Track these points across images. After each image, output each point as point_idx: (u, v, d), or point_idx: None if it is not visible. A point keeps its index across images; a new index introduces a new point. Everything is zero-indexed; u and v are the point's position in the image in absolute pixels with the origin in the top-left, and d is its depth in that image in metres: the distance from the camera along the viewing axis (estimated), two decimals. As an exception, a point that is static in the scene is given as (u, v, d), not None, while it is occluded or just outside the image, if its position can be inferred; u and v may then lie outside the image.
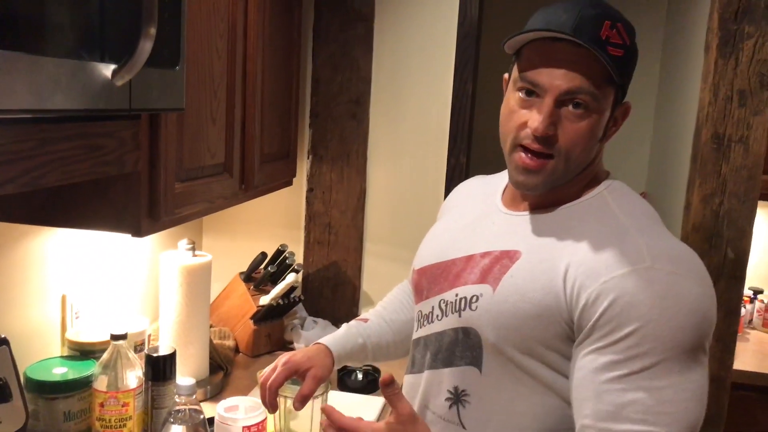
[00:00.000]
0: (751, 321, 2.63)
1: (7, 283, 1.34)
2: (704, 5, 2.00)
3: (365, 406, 1.65)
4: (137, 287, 1.81)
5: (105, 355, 1.34)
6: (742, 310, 2.45)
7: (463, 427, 1.03)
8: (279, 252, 1.98)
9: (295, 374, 1.21)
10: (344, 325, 1.33)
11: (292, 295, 1.95)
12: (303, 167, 2.07)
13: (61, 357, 1.43)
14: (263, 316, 1.93)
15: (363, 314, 1.38)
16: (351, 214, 2.07)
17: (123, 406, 1.33)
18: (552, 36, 0.93)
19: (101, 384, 1.33)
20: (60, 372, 1.35)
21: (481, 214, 1.12)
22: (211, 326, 1.95)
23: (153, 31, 0.87)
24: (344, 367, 1.81)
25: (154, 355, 1.39)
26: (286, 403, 1.37)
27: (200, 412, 1.12)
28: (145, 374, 1.39)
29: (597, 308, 0.88)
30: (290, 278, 1.89)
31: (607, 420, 0.87)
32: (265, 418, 1.34)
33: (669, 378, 0.85)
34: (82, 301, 1.56)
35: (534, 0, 3.10)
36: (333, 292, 2.11)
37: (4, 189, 0.82)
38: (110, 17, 0.87)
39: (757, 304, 2.62)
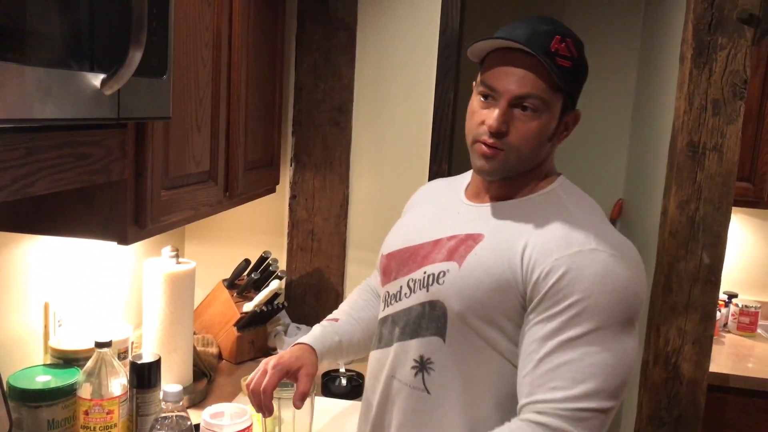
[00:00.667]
0: (726, 324, 2.69)
1: (-10, 291, 1.34)
2: (679, 17, 2.05)
3: (349, 411, 1.66)
4: (121, 294, 1.81)
5: (89, 363, 1.34)
6: (718, 314, 2.50)
7: (428, 392, 1.13)
8: (262, 259, 1.98)
9: (286, 375, 1.23)
10: (317, 326, 1.36)
11: (275, 302, 1.96)
12: (286, 174, 2.08)
13: (44, 365, 1.42)
14: (246, 323, 1.93)
15: (332, 315, 1.41)
16: (334, 221, 2.09)
17: (108, 413, 1.33)
18: (508, 46, 1.07)
19: (85, 392, 1.32)
20: (43, 380, 1.34)
21: (446, 206, 1.24)
22: (194, 333, 1.95)
23: (143, 39, 0.88)
24: (327, 373, 1.82)
25: (139, 362, 1.40)
26: (279, 405, 1.38)
27: (187, 418, 1.13)
28: (130, 381, 1.39)
29: (548, 281, 1.01)
30: (274, 285, 1.89)
31: (541, 378, 1.00)
32: (251, 424, 1.35)
33: (601, 344, 0.99)
34: (65, 308, 1.55)
35: (513, 10, 3.15)
36: (316, 299, 2.13)
37: (-6, 198, 0.82)
38: (100, 27, 0.88)
39: (732, 307, 2.68)
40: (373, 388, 1.25)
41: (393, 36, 1.99)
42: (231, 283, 2.01)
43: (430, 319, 1.13)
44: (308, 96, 2.04)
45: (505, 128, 1.07)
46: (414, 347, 1.15)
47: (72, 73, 0.84)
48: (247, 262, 1.99)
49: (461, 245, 1.12)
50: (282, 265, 2.12)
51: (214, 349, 1.94)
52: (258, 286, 1.97)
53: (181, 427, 1.11)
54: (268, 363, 1.24)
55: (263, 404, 1.22)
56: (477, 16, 2.75)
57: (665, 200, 2.05)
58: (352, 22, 2.00)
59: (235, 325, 1.93)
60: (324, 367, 1.38)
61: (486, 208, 1.17)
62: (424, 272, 1.15)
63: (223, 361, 1.96)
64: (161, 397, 1.12)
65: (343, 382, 1.79)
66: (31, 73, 0.78)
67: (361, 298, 1.43)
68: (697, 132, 1.92)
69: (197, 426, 1.34)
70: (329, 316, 1.40)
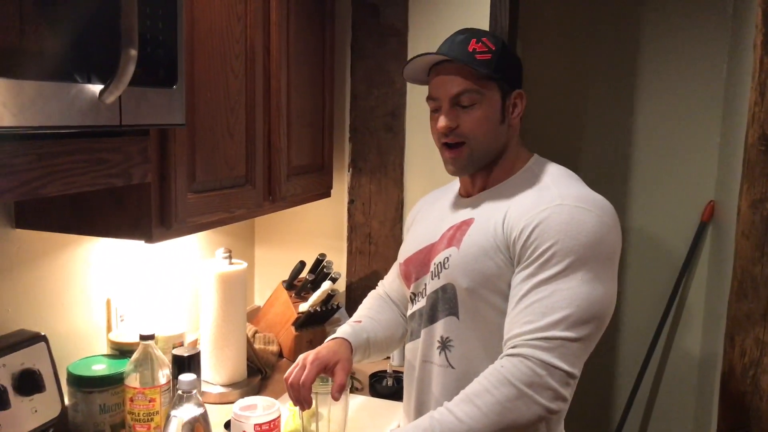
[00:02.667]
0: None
1: (54, 287, 1.49)
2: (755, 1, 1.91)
3: (393, 412, 1.68)
4: (181, 293, 1.93)
5: (135, 354, 1.46)
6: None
7: (453, 367, 1.27)
8: (318, 261, 2.05)
9: (324, 370, 1.33)
10: (346, 325, 1.46)
11: (330, 303, 2.02)
12: (344, 180, 2.15)
13: (103, 355, 1.56)
14: (304, 323, 2.01)
15: (353, 318, 1.50)
16: (389, 225, 2.12)
17: (150, 401, 1.44)
18: (436, 60, 1.28)
19: (132, 380, 1.44)
20: (98, 368, 1.48)
21: (444, 208, 1.41)
22: (256, 332, 2.05)
23: (133, 53, 0.96)
24: (375, 374, 1.86)
25: (179, 354, 1.50)
26: (316, 399, 1.43)
27: (201, 405, 1.20)
28: (172, 373, 1.49)
29: (522, 238, 1.17)
30: (325, 286, 1.95)
31: (516, 317, 1.13)
32: (278, 416, 1.41)
33: (571, 280, 1.12)
34: (126, 305, 1.69)
35: (562, 11, 3.09)
36: (375, 301, 2.16)
37: (2, 197, 0.93)
38: (98, 40, 0.97)
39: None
40: (411, 376, 1.38)
41: (442, 39, 1.99)
42: (290, 284, 2.09)
43: (443, 302, 1.28)
44: (362, 103, 2.09)
45: (453, 124, 1.26)
46: (436, 330, 1.30)
47: (72, 85, 0.94)
48: (302, 263, 2.07)
49: (457, 231, 1.28)
50: (342, 268, 2.18)
51: (274, 347, 2.02)
52: (314, 287, 2.04)
53: (194, 414, 1.18)
54: (306, 358, 1.33)
55: (302, 398, 1.31)
56: (528, 15, 2.69)
57: (739, 200, 1.91)
58: (403, 29, 2.03)
59: (293, 324, 2.01)
60: (354, 362, 1.44)
61: (474, 198, 1.34)
62: (434, 264, 1.31)
63: (284, 359, 2.04)
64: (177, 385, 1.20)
65: (389, 382, 1.81)
66: (31, 86, 0.88)
67: (376, 302, 1.56)
68: (770, 124, 1.78)
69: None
70: (351, 320, 1.50)
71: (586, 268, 1.12)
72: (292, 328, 2.01)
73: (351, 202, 2.16)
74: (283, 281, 2.10)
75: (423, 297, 1.35)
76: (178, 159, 1.27)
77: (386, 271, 2.14)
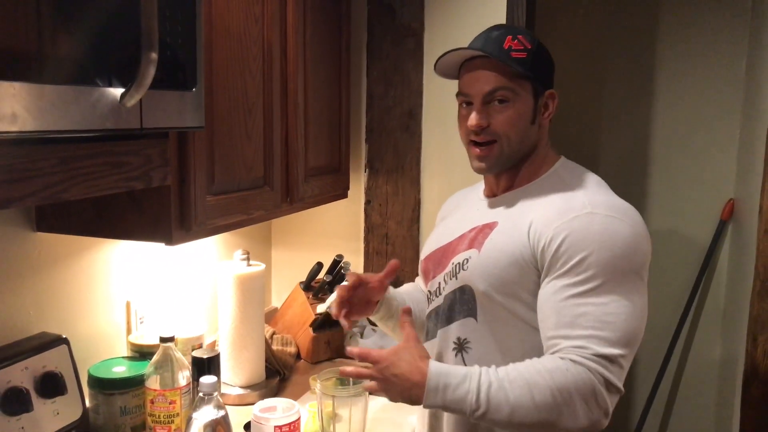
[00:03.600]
0: None
1: (75, 290, 1.50)
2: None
3: (411, 413, 1.68)
4: (200, 295, 1.94)
5: (155, 356, 1.46)
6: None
7: None
8: (335, 262, 2.05)
9: (360, 285, 1.43)
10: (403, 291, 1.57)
11: (348, 304, 2.02)
12: (361, 180, 2.14)
13: (123, 357, 1.57)
14: (321, 324, 2.01)
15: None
16: (407, 225, 2.11)
17: (170, 403, 1.44)
18: (470, 56, 1.26)
19: (152, 382, 1.44)
20: (119, 371, 1.48)
21: (467, 207, 1.41)
22: (274, 333, 2.05)
23: (154, 56, 0.96)
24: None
25: (198, 356, 1.50)
26: (334, 404, 1.44)
27: (222, 407, 1.20)
28: (192, 375, 1.49)
29: (552, 247, 1.14)
30: (342, 287, 1.95)
31: (565, 327, 1.11)
32: (298, 418, 1.41)
33: (610, 296, 1.10)
34: (146, 307, 1.70)
35: (579, 10, 3.06)
36: (392, 302, 2.16)
37: (24, 202, 0.94)
38: (118, 45, 0.97)
39: None
40: None
41: (459, 40, 1.96)
42: (307, 286, 2.09)
43: (461, 303, 1.26)
44: (379, 103, 2.08)
45: (485, 123, 1.25)
46: (452, 331, 1.28)
47: (93, 89, 0.94)
48: (319, 265, 2.07)
49: (479, 234, 1.27)
50: (359, 269, 2.18)
51: (292, 349, 2.02)
52: (331, 288, 2.03)
53: (215, 416, 1.18)
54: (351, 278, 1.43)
55: (342, 316, 1.43)
56: (545, 14, 2.67)
57: (762, 198, 1.89)
58: (419, 29, 2.02)
59: (310, 325, 2.01)
60: (378, 314, 1.49)
61: (498, 199, 1.32)
62: (452, 263, 1.29)
63: (301, 360, 2.04)
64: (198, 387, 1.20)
65: (408, 383, 1.80)
66: (52, 90, 0.88)
67: (411, 285, 1.62)
68: (793, 121, 1.75)
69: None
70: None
71: (623, 280, 1.11)
72: (310, 330, 2.01)
73: (368, 202, 2.15)
74: (301, 282, 2.10)
75: (438, 296, 1.34)
76: (198, 161, 1.27)
77: (403, 272, 2.14)
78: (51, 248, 1.41)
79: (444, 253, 1.35)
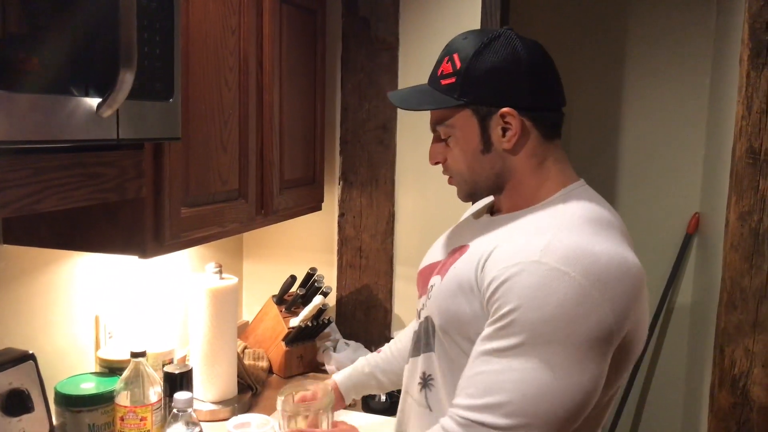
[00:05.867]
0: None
1: (42, 304, 1.46)
2: (740, 17, 1.94)
3: (386, 428, 1.66)
4: (171, 308, 1.90)
5: (126, 372, 1.42)
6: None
7: (430, 410, 1.13)
8: (309, 275, 2.03)
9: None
10: (362, 358, 1.49)
11: (321, 317, 2.00)
12: (335, 193, 2.13)
13: (91, 373, 1.52)
14: (294, 338, 1.98)
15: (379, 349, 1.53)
16: (380, 238, 2.11)
17: (141, 420, 1.41)
18: (398, 107, 1.18)
19: (122, 399, 1.41)
20: (87, 387, 1.44)
21: (465, 222, 1.27)
22: (246, 347, 2.02)
23: (132, 67, 0.94)
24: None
25: (171, 371, 1.47)
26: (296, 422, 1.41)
27: (196, 424, 1.18)
28: (164, 390, 1.46)
29: (489, 290, 0.98)
30: (316, 300, 1.93)
31: (463, 382, 0.99)
32: (274, 435, 1.39)
33: (524, 361, 0.93)
34: (114, 321, 1.66)
35: (550, 26, 3.10)
36: (366, 315, 2.15)
37: (-3, 213, 0.91)
38: (95, 54, 0.95)
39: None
40: (403, 401, 1.26)
41: (434, 54, 1.97)
42: (280, 299, 2.07)
43: (426, 336, 1.14)
44: (353, 116, 2.08)
45: (438, 158, 1.15)
46: (419, 364, 1.16)
47: (68, 98, 0.92)
48: (293, 278, 2.05)
49: (451, 258, 1.13)
50: (332, 282, 2.17)
51: (264, 363, 2.00)
52: (305, 301, 2.02)
53: (189, 431, 1.16)
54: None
55: None
56: (518, 29, 2.71)
57: (727, 212, 1.93)
58: (394, 42, 2.03)
59: (283, 339, 1.98)
60: (356, 397, 1.50)
61: (483, 220, 1.17)
62: (428, 287, 1.16)
63: (274, 375, 2.01)
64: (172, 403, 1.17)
65: (383, 398, 1.79)
66: (26, 99, 0.86)
67: (409, 330, 1.42)
68: (758, 138, 1.80)
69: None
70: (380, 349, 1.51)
71: (548, 350, 0.92)
72: (283, 344, 1.99)
73: (341, 215, 2.14)
74: (273, 296, 2.08)
75: (420, 318, 1.21)
76: (173, 173, 1.25)
77: (377, 285, 2.14)
78: (17, 261, 1.37)
79: (432, 271, 1.19)
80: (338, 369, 1.97)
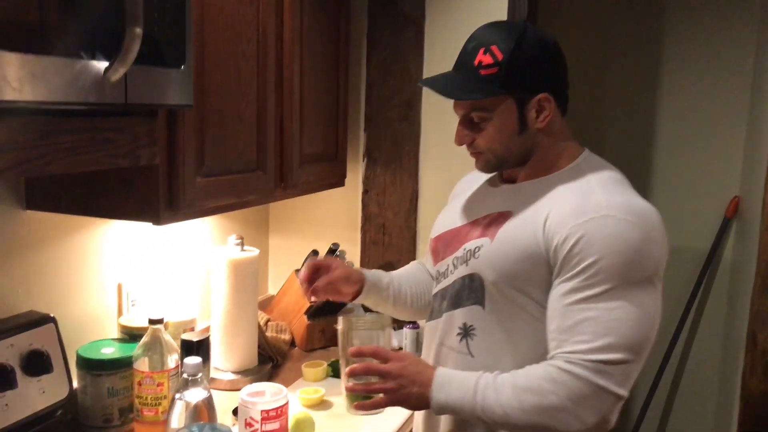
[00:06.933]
0: None
1: (65, 270, 1.50)
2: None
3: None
4: (193, 279, 1.94)
5: (144, 338, 1.46)
6: None
7: (472, 356, 1.24)
8: (331, 250, 2.04)
9: (323, 269, 1.39)
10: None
11: (343, 293, 2.01)
12: (359, 169, 2.13)
13: (113, 339, 1.56)
14: (316, 312, 2.00)
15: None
16: (404, 216, 2.10)
17: (158, 385, 1.44)
18: (435, 92, 1.24)
19: (140, 364, 1.44)
20: (108, 352, 1.48)
21: (482, 191, 1.37)
22: (269, 320, 2.05)
23: (138, 31, 0.96)
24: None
25: (188, 339, 1.50)
26: (351, 334, 1.32)
27: (206, 389, 1.19)
28: (181, 357, 1.49)
29: (565, 248, 1.11)
30: (337, 275, 1.94)
31: (565, 332, 1.10)
32: (286, 403, 1.40)
33: (618, 301, 1.08)
34: (137, 290, 1.70)
35: (582, 5, 3.01)
36: (388, 292, 2.14)
37: (6, 175, 0.93)
38: (102, 17, 0.97)
39: None
40: (427, 355, 1.35)
41: (460, 30, 1.96)
42: (302, 274, 2.08)
43: (470, 290, 1.24)
44: (378, 92, 2.07)
45: (463, 142, 1.26)
46: (458, 316, 1.26)
47: (76, 61, 0.94)
48: (315, 252, 2.06)
49: (493, 223, 1.24)
50: (356, 259, 2.17)
51: (286, 336, 2.02)
52: (327, 277, 2.02)
53: (198, 398, 1.17)
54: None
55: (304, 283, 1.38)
56: (549, 6, 2.65)
57: (764, 194, 1.86)
58: (420, 18, 2.01)
59: (305, 313, 2.00)
60: (368, 300, 1.46)
61: (515, 188, 1.27)
62: (464, 249, 1.26)
63: (295, 348, 2.03)
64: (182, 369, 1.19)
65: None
66: (33, 60, 0.88)
67: (414, 265, 1.59)
68: (795, 116, 1.73)
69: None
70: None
71: (632, 286, 1.09)
72: (305, 318, 2.00)
73: (365, 192, 2.14)
74: (296, 270, 2.09)
75: (445, 278, 1.31)
76: (187, 142, 1.27)
77: (399, 263, 2.13)
78: (41, 227, 1.41)
79: (455, 236, 1.31)
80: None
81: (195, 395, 1.19)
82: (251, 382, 1.73)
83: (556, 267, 1.13)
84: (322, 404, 1.65)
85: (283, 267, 2.25)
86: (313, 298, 1.41)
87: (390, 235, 2.13)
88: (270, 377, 1.81)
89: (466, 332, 1.25)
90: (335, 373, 1.80)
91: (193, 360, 1.19)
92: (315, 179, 1.81)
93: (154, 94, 1.08)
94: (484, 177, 1.40)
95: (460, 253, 1.28)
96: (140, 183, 1.25)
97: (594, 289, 1.08)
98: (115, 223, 1.61)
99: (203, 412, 1.18)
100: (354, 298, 1.43)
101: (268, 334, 1.99)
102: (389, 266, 2.13)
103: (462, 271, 1.26)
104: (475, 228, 1.28)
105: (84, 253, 1.54)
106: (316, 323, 2.02)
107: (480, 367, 1.19)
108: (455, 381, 1.16)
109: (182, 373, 1.19)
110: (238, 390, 1.70)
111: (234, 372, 1.76)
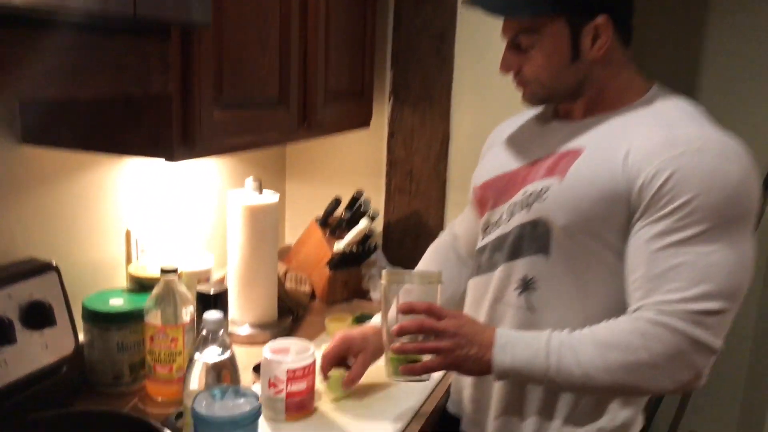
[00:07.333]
0: None
1: (68, 213, 1.36)
2: None
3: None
4: (208, 224, 1.80)
5: (156, 289, 1.32)
6: None
7: (533, 311, 1.13)
8: (354, 198, 1.90)
9: (347, 352, 1.32)
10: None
11: (367, 243, 1.88)
12: (384, 111, 1.97)
13: (121, 290, 1.43)
14: (338, 263, 1.86)
15: None
16: (433, 162, 1.94)
17: (172, 340, 1.31)
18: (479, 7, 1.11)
19: (152, 317, 1.31)
20: (116, 303, 1.35)
21: (535, 131, 1.24)
22: (287, 271, 1.92)
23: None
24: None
25: (204, 291, 1.37)
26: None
27: (228, 348, 1.06)
28: (197, 311, 1.36)
29: (654, 185, 0.99)
30: (362, 224, 1.80)
31: (654, 281, 0.98)
32: (314, 362, 1.27)
33: (715, 244, 0.97)
34: (147, 236, 1.56)
35: None
36: (414, 243, 2.01)
37: (-7, 94, 0.78)
38: None
39: None
40: (475, 314, 1.23)
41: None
42: (323, 222, 1.94)
43: (531, 239, 1.12)
44: (407, 24, 1.89)
45: (509, 70, 1.14)
46: (517, 268, 1.15)
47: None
48: (337, 200, 1.91)
49: (561, 160, 1.11)
50: (380, 207, 2.02)
51: (306, 288, 1.89)
52: (350, 225, 1.89)
53: (220, 358, 1.04)
54: (337, 335, 1.34)
55: (321, 368, 1.32)
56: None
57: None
58: (456, -61, 1.81)
59: (327, 264, 1.87)
60: None
61: (581, 124, 1.14)
62: (525, 192, 1.14)
63: (316, 300, 1.91)
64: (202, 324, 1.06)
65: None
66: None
67: (435, 258, 1.48)
68: None
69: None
70: None
71: (730, 228, 0.98)
72: (326, 269, 1.87)
73: (391, 135, 1.98)
74: (317, 218, 1.95)
75: (499, 227, 1.19)
76: (203, 67, 1.11)
77: (428, 212, 1.99)
78: (40, 165, 1.27)
79: (510, 180, 1.19)
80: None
81: (216, 354, 1.06)
82: (271, 336, 1.61)
83: (640, 208, 1.01)
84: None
85: (302, 215, 2.10)
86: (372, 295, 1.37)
87: (417, 182, 1.97)
88: (290, 331, 1.69)
89: (526, 285, 1.14)
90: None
91: (214, 315, 1.05)
92: (340, 119, 1.65)
93: (167, 6, 0.91)
94: (527, 121, 1.29)
95: (518, 197, 1.15)
96: (151, 114, 1.10)
97: (688, 231, 0.97)
98: (123, 162, 1.47)
99: (225, 373, 1.06)
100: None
101: (287, 285, 1.86)
102: (416, 215, 1.99)
103: (522, 217, 1.14)
104: (536, 168, 1.15)
105: (89, 195, 1.40)
106: (339, 274, 1.89)
107: (543, 324, 1.09)
108: (521, 341, 1.05)
109: (201, 329, 1.06)
110: (257, 345, 1.59)
111: (252, 325, 1.64)
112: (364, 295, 1.94)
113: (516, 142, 1.26)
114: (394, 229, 2.03)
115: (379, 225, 2.03)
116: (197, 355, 1.05)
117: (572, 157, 1.09)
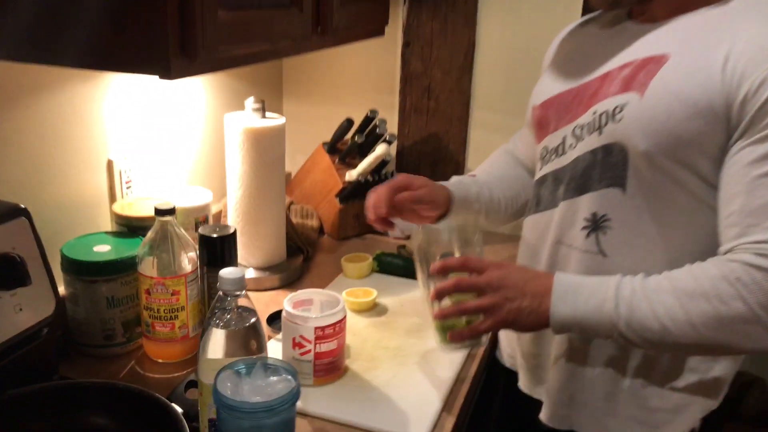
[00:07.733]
0: None
1: (36, 144, 1.11)
2: None
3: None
4: (203, 154, 1.56)
5: (150, 233, 1.10)
6: None
7: (604, 255, 0.97)
8: (368, 119, 1.66)
9: (405, 189, 1.15)
10: (454, 177, 1.26)
11: (383, 171, 1.66)
12: (398, 16, 1.70)
13: (106, 233, 1.21)
14: (350, 194, 1.65)
15: (470, 172, 1.31)
16: (456, 75, 1.70)
17: (173, 294, 1.10)
18: None
19: (147, 267, 1.10)
20: (101, 250, 1.13)
21: (607, 35, 1.03)
22: (291, 203, 1.70)
23: None
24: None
25: (209, 235, 1.15)
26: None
27: (250, 310, 0.86)
28: (200, 258, 1.15)
29: (760, 97, 0.81)
30: (380, 150, 1.58)
31: (755, 215, 0.82)
32: (344, 318, 1.08)
33: None
34: (133, 167, 1.32)
35: None
36: (432, 170, 1.79)
37: None
38: None
39: None
40: (533, 258, 1.09)
41: None
42: (332, 147, 1.71)
43: (604, 168, 0.95)
44: None
45: None
46: (584, 204, 0.98)
47: None
48: (349, 122, 1.68)
49: (640, 71, 0.92)
50: (392, 128, 1.79)
51: (314, 222, 1.68)
52: (363, 151, 1.66)
53: (242, 324, 0.84)
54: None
55: (376, 219, 1.15)
56: None
57: None
58: None
59: (337, 195, 1.65)
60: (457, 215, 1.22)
61: (664, 25, 0.94)
62: (594, 112, 0.96)
63: (325, 236, 1.70)
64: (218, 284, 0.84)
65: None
66: None
67: (502, 156, 1.33)
68: None
69: (278, 313, 1.10)
70: (466, 174, 1.31)
71: None
72: (336, 200, 1.65)
73: (406, 45, 1.72)
74: (324, 143, 1.72)
75: (560, 155, 1.03)
76: (204, -50, 0.84)
77: (448, 134, 1.76)
78: (-3, 83, 1.01)
79: (576, 97, 1.01)
80: (402, 235, 1.65)
81: (237, 320, 0.85)
82: (280, 281, 1.42)
83: (741, 125, 0.84)
84: (373, 309, 1.34)
85: (304, 139, 1.86)
86: (390, 232, 1.19)
87: (437, 99, 1.73)
88: (302, 274, 1.49)
89: (596, 224, 0.97)
90: (382, 267, 1.49)
91: (234, 273, 0.84)
92: (355, 24, 1.39)
93: None
94: (599, 22, 1.10)
95: (586, 118, 0.98)
96: (140, 18, 0.84)
97: None
98: (102, 78, 1.21)
99: (249, 342, 0.85)
100: (438, 220, 1.18)
101: (293, 220, 1.64)
102: (434, 138, 1.77)
103: (591, 142, 0.96)
104: (609, 82, 0.96)
105: (61, 121, 1.15)
106: (350, 207, 1.67)
107: (615, 271, 0.92)
108: (585, 288, 0.90)
109: (218, 288, 0.84)
110: (266, 290, 1.40)
111: (258, 268, 1.43)
112: (376, 230, 1.73)
113: (582, 52, 1.07)
114: (409, 154, 1.81)
115: (392, 150, 1.80)
116: (215, 321, 0.84)
117: (654, 67, 0.90)
